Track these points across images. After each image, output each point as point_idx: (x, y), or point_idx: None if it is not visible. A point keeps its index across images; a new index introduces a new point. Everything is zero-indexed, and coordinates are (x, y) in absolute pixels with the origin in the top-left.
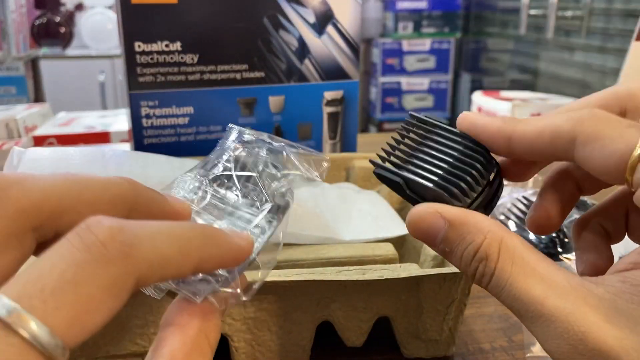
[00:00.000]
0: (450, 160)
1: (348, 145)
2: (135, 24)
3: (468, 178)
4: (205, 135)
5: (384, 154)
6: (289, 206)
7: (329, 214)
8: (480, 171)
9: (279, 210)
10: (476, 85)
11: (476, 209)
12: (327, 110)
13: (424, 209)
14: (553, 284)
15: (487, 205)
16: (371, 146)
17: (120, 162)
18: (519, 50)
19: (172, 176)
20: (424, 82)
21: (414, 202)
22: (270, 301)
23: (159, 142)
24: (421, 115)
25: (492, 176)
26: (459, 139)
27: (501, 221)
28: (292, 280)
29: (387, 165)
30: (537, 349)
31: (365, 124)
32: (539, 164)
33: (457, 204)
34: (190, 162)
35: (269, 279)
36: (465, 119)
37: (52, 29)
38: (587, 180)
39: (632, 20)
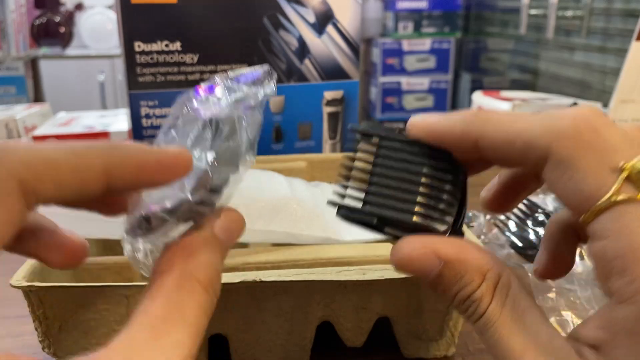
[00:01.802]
0: (421, 179)
1: (348, 145)
2: (135, 23)
3: (445, 197)
4: None
5: (340, 190)
6: (231, 123)
7: (329, 214)
8: (454, 183)
9: (216, 124)
10: (476, 85)
11: (456, 225)
12: (327, 110)
13: (414, 247)
14: (536, 338)
15: (463, 215)
16: None
17: None
18: (519, 50)
19: None
20: (424, 82)
21: (392, 237)
22: (270, 301)
23: None
24: (363, 129)
25: (462, 184)
26: (419, 150)
27: (501, 221)
28: (292, 280)
29: (349, 202)
30: None
31: None
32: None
33: (442, 228)
34: None
35: (269, 279)
36: (417, 126)
37: (52, 28)
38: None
39: (633, 20)
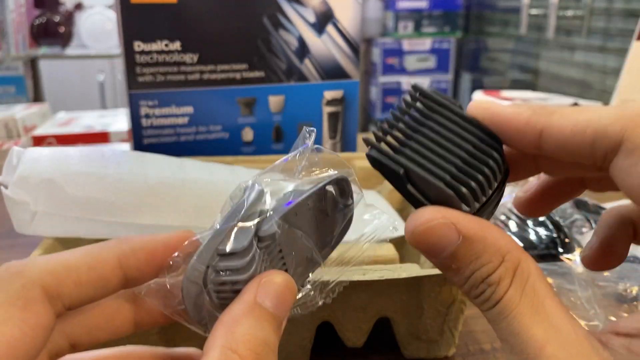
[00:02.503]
0: (462, 153)
1: (348, 145)
2: (134, 23)
3: (480, 178)
4: (205, 135)
5: (380, 133)
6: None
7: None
8: (493, 170)
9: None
10: (477, 85)
11: (481, 215)
12: (327, 110)
13: (434, 217)
14: (558, 329)
15: (491, 212)
16: None
17: (120, 162)
18: (520, 49)
19: (171, 176)
20: (424, 82)
21: (413, 199)
22: None
23: (158, 142)
24: (427, 90)
25: (501, 178)
26: (471, 128)
27: (502, 221)
28: None
29: (384, 147)
30: None
31: (365, 124)
32: (559, 165)
33: (465, 208)
34: (190, 162)
35: None
36: (481, 108)
37: (52, 28)
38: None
39: (633, 20)
